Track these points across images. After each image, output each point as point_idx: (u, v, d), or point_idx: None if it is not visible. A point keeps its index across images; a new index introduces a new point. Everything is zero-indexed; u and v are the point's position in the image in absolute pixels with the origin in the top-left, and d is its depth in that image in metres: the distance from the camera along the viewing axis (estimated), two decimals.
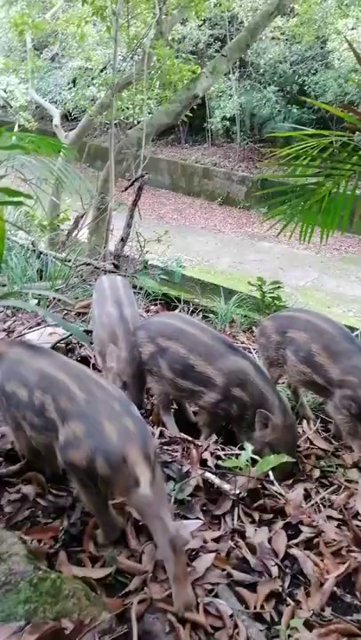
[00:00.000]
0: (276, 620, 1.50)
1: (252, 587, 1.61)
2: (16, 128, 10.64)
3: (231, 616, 1.46)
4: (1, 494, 1.78)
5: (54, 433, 1.58)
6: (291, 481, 2.20)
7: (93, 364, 3.25)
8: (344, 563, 1.70)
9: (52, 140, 5.43)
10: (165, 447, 2.25)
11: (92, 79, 11.64)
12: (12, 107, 14.06)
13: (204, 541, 1.75)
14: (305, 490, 2.13)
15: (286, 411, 2.25)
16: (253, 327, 4.24)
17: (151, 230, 6.52)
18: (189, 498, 1.92)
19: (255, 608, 1.52)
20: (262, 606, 1.53)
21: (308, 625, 1.48)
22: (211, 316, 4.62)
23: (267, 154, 15.83)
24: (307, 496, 2.11)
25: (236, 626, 1.44)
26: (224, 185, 15.64)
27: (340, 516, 1.96)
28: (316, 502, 2.06)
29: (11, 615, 1.22)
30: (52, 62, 15.43)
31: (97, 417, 1.50)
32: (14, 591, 1.25)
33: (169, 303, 5.14)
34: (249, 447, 1.94)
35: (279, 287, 4.38)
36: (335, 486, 2.21)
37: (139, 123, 6.74)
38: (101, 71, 10.02)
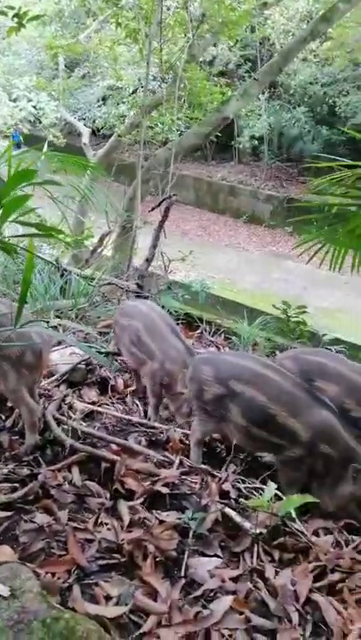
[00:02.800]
0: None
1: (271, 634, 1.54)
2: (46, 145, 10.83)
3: None
4: (17, 523, 1.75)
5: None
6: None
7: (112, 386, 3.22)
8: None
9: (80, 158, 5.49)
10: (184, 477, 2.20)
11: (122, 98, 11.84)
12: (41, 122, 14.43)
13: (222, 580, 1.68)
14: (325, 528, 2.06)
15: None
16: (277, 351, 4.18)
17: (175, 247, 6.51)
18: (207, 533, 1.86)
19: None
20: None
21: None
22: (233, 338, 4.57)
23: (294, 173, 15.81)
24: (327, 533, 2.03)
25: None
26: (250, 203, 15.64)
27: None
28: (340, 543, 1.98)
29: None
30: (82, 80, 15.74)
31: None
32: (26, 631, 1.21)
33: (191, 323, 5.11)
34: (272, 485, 1.88)
35: (305, 312, 4.32)
36: None
37: (167, 143, 6.79)
38: (133, 92, 10.16)
